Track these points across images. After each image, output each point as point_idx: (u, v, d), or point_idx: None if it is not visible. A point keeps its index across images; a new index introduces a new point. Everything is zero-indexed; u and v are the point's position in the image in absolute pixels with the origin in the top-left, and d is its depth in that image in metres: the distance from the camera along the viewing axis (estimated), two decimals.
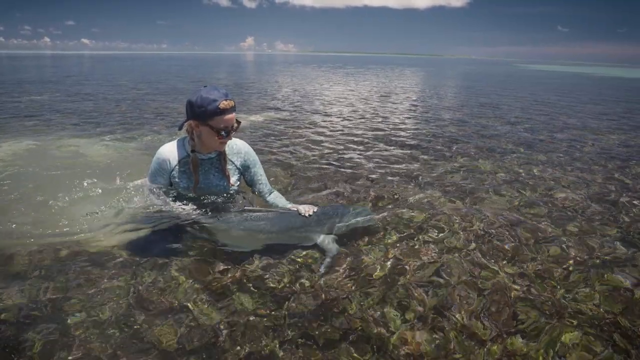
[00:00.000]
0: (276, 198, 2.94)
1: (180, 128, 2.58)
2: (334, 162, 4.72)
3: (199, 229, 2.61)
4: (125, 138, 5.58)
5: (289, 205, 2.83)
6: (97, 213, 2.75)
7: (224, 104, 2.35)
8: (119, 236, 2.57)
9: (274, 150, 5.18)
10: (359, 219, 2.85)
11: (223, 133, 2.44)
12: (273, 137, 6.01)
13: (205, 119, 2.38)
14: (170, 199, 2.65)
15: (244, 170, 2.84)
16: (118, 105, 9.02)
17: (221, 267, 2.37)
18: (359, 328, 1.93)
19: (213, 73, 24.75)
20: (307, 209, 2.69)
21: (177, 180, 2.65)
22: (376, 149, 5.51)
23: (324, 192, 3.68)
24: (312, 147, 5.49)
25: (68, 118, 7.24)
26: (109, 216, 2.73)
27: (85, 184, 3.44)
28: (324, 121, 7.68)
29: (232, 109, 2.42)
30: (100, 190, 3.20)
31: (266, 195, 2.91)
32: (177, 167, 2.62)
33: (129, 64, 38.09)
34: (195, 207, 2.65)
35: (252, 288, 2.21)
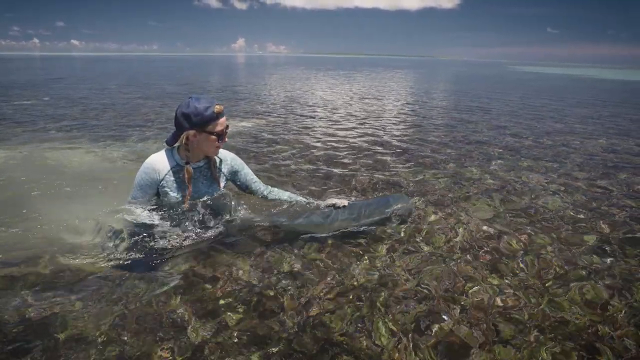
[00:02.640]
0: (287, 193, 3.12)
1: (170, 143, 2.61)
2: (322, 169, 4.74)
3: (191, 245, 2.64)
4: (115, 145, 5.58)
5: (324, 203, 3.04)
6: (85, 225, 2.76)
7: (217, 108, 2.49)
8: (107, 250, 2.58)
9: (266, 157, 5.20)
10: (400, 205, 3.21)
11: (221, 136, 2.57)
12: (264, 143, 6.03)
13: (203, 126, 2.49)
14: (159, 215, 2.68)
15: (233, 177, 2.96)
16: (108, 110, 8.99)
17: (209, 281, 2.38)
18: (344, 342, 1.95)
19: (204, 75, 24.71)
20: (342, 202, 2.97)
21: (166, 190, 2.66)
22: (363, 154, 5.55)
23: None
24: (301, 154, 5.51)
25: (57, 124, 7.20)
26: (96, 229, 2.73)
27: (74, 195, 3.45)
28: (314, 126, 7.71)
29: (224, 112, 2.56)
30: (88, 202, 3.21)
31: (267, 192, 3.06)
32: (167, 177, 2.65)
33: (119, 66, 37.91)
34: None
35: (238, 302, 2.22)
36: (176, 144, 2.63)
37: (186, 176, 2.64)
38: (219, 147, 2.67)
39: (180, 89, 14.44)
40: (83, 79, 19.30)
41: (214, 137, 2.54)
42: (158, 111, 8.93)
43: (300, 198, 3.12)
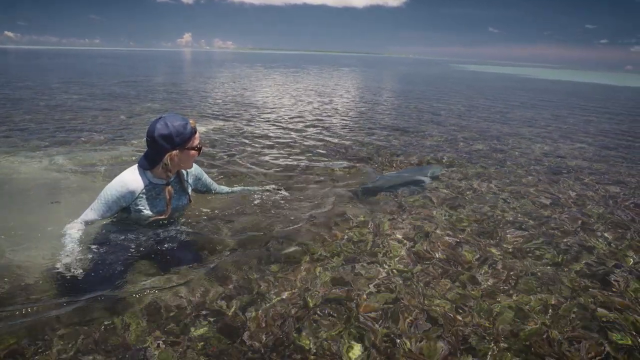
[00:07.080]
0: (238, 187, 3.66)
1: (149, 167, 2.60)
2: (277, 170, 4.72)
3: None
4: (62, 153, 5.27)
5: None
6: (33, 242, 2.63)
7: (192, 123, 2.60)
8: (61, 271, 2.43)
9: (221, 161, 5.11)
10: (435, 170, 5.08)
11: (199, 149, 2.69)
12: (219, 149, 5.92)
13: (186, 143, 2.56)
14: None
15: (197, 184, 3.13)
16: (52, 113, 8.48)
17: (172, 300, 2.32)
18: None
19: (149, 74, 23.80)
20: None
21: (140, 208, 2.67)
22: (313, 162, 5.54)
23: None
24: (254, 156, 5.46)
25: None
26: (49, 248, 2.60)
27: (21, 209, 3.27)
28: (266, 130, 7.65)
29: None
30: (39, 216, 3.05)
31: (224, 191, 3.44)
32: (140, 195, 2.64)
33: (59, 61, 36.05)
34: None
35: (204, 321, 2.19)
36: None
37: (167, 197, 2.70)
38: (194, 160, 2.76)
39: (126, 90, 13.84)
40: (21, 76, 18.19)
41: (195, 152, 2.64)
42: (105, 114, 8.51)
43: (250, 187, 3.72)
